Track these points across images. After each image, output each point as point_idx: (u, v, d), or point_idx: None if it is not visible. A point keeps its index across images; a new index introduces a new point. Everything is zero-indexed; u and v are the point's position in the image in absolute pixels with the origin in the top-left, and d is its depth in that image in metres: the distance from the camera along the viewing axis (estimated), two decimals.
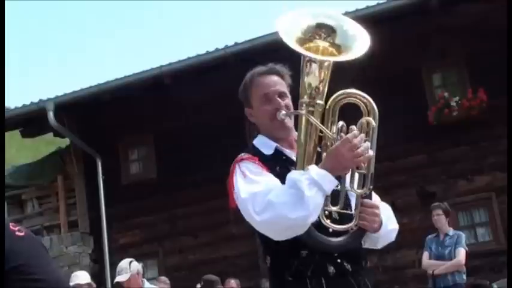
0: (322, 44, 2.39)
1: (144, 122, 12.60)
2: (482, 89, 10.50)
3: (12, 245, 2.27)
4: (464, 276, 7.48)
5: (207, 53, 11.61)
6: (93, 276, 10.35)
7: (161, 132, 12.63)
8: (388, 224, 2.50)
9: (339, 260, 2.42)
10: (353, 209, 2.42)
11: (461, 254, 7.41)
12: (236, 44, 11.43)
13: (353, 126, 2.33)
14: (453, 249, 7.46)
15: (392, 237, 2.58)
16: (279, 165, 2.47)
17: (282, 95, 2.54)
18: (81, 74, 50.86)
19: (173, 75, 11.71)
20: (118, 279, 6.29)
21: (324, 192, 2.27)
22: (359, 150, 2.25)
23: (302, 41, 2.37)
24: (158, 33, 63.01)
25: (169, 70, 11.75)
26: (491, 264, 10.04)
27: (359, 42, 2.38)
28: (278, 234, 2.34)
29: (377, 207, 2.41)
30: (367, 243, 2.55)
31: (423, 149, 10.92)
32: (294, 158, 2.48)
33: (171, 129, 12.40)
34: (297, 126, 2.46)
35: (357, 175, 2.38)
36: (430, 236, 7.78)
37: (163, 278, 9.88)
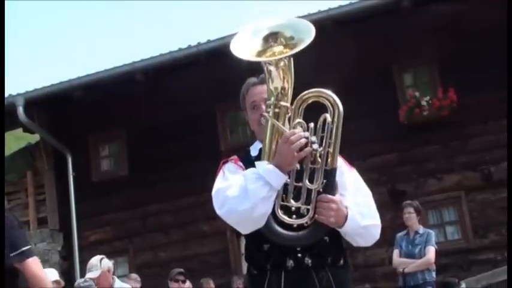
0: (277, 49, 2.47)
1: (115, 118, 12.49)
2: (452, 89, 10.60)
3: None
4: (434, 274, 7.56)
5: (180, 49, 11.58)
6: (62, 274, 10.29)
7: (133, 129, 12.54)
8: (360, 220, 2.52)
9: (299, 255, 2.50)
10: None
11: (431, 252, 7.49)
12: (209, 41, 11.39)
13: (311, 124, 2.40)
14: (423, 247, 7.53)
15: (372, 233, 2.63)
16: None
17: None
18: (52, 70, 50.38)
19: (145, 71, 11.65)
20: (88, 276, 6.24)
21: (271, 186, 2.36)
22: (294, 146, 2.33)
23: (261, 53, 2.47)
24: (131, 29, 62.62)
25: (141, 66, 11.68)
26: (459, 262, 10.16)
27: (305, 32, 2.45)
28: (238, 227, 2.48)
29: (334, 202, 2.43)
30: (350, 241, 2.60)
31: (394, 148, 10.98)
32: None
33: (143, 126, 12.31)
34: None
35: (309, 170, 2.42)
36: (400, 234, 7.84)
37: (134, 275, 9.78)
